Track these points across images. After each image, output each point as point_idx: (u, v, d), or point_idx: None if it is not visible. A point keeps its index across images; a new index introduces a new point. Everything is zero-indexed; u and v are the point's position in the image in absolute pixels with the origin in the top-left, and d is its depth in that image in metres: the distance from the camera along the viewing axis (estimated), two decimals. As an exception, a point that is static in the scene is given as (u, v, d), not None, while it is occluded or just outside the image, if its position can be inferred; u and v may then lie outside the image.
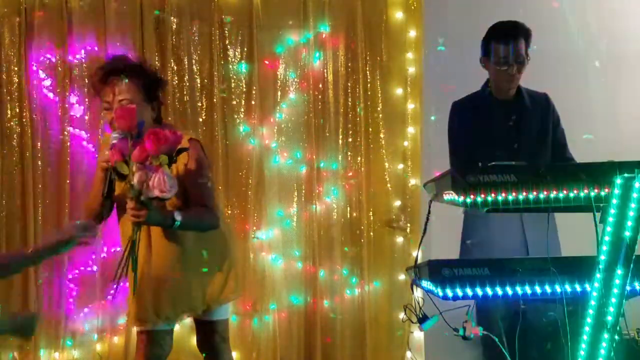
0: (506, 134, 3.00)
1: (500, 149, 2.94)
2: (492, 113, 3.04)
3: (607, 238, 1.98)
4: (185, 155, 2.45)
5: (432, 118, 4.09)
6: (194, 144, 2.53)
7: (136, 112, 2.33)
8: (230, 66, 3.94)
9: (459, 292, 2.03)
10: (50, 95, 3.78)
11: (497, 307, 2.74)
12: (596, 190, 1.99)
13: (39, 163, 3.72)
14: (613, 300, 1.96)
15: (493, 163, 2.05)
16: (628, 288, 1.99)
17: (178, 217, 2.38)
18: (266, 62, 3.99)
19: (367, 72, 4.06)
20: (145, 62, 2.62)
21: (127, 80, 2.42)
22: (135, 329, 2.65)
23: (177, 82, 3.85)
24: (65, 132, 3.75)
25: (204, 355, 2.73)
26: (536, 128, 3.04)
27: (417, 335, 3.99)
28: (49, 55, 3.76)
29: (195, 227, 2.51)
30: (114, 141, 2.32)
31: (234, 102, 3.94)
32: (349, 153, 4.05)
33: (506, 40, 2.92)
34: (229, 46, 3.94)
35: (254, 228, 3.88)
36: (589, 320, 2.00)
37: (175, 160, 2.35)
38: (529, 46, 2.98)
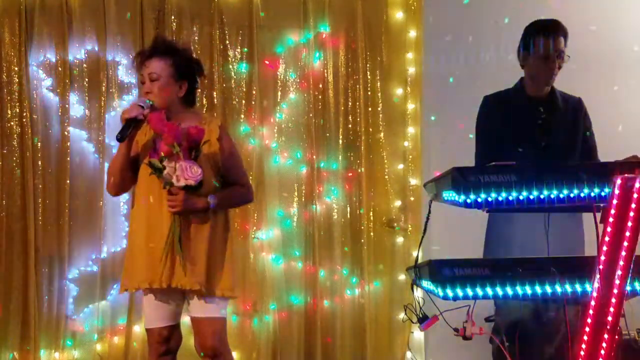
0: (535, 131, 3.00)
1: (528, 146, 2.94)
2: (522, 110, 3.03)
3: (607, 238, 1.98)
4: (216, 141, 2.67)
5: (432, 118, 4.09)
6: (224, 129, 2.79)
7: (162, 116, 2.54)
8: (230, 66, 3.94)
9: (459, 292, 2.03)
10: (50, 95, 3.78)
11: (517, 310, 2.75)
12: (596, 190, 1.99)
13: (39, 163, 3.72)
14: (613, 300, 1.96)
15: (493, 163, 2.05)
16: (628, 288, 1.99)
17: (212, 200, 2.60)
18: (266, 62, 3.99)
19: (367, 72, 4.06)
20: (184, 45, 2.89)
21: (157, 57, 2.65)
22: (143, 328, 2.70)
23: (177, 82, 3.85)
24: (65, 132, 3.75)
25: (201, 354, 2.72)
26: (566, 129, 3.02)
27: (417, 335, 3.99)
28: (49, 55, 3.77)
29: (231, 205, 2.82)
30: (140, 103, 2.59)
31: (234, 102, 3.94)
32: (349, 153, 4.05)
33: (548, 33, 2.94)
34: (229, 46, 3.94)
35: (254, 228, 3.88)
36: (589, 320, 2.00)
37: (199, 154, 2.54)
38: (566, 46, 2.99)
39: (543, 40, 2.95)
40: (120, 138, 2.55)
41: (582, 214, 2.96)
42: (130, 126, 2.55)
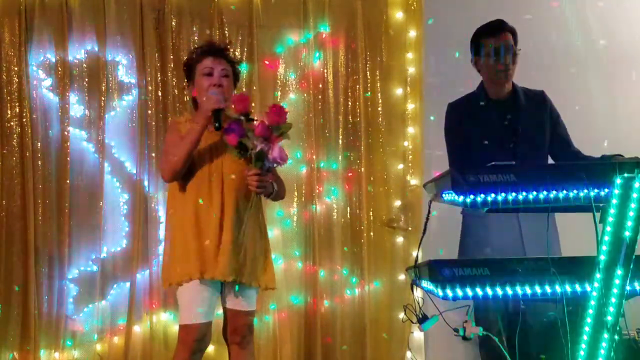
0: (501, 134, 3.00)
1: (496, 149, 2.94)
2: (487, 113, 3.04)
3: (607, 238, 1.98)
4: None
5: (432, 118, 4.09)
6: None
7: (250, 99, 2.74)
8: (230, 66, 3.94)
9: (459, 292, 2.03)
10: (50, 95, 3.78)
11: (495, 306, 2.74)
12: (596, 190, 1.99)
13: (39, 163, 3.72)
14: (613, 300, 1.96)
15: (493, 163, 2.05)
16: (628, 288, 1.99)
17: (275, 186, 2.79)
18: (266, 62, 3.99)
19: (367, 72, 4.06)
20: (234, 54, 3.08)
21: (226, 59, 2.85)
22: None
23: (176, 82, 3.86)
24: (65, 132, 3.75)
25: (230, 344, 2.82)
26: (533, 126, 3.03)
27: (417, 335, 3.99)
28: (49, 55, 3.77)
29: (279, 196, 2.93)
30: (213, 94, 2.69)
31: (234, 102, 3.94)
32: (349, 153, 4.05)
33: (494, 33, 2.98)
34: (229, 46, 3.93)
35: (254, 228, 3.88)
36: (589, 320, 2.00)
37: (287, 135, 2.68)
38: (516, 43, 3.00)
39: (489, 39, 2.98)
40: (219, 126, 2.65)
41: (555, 219, 2.97)
42: (220, 115, 2.66)
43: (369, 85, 4.06)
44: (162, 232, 3.81)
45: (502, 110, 3.03)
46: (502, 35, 2.96)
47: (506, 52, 2.95)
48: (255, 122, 2.68)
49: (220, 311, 2.85)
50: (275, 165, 2.66)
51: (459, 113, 3.10)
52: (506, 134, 3.00)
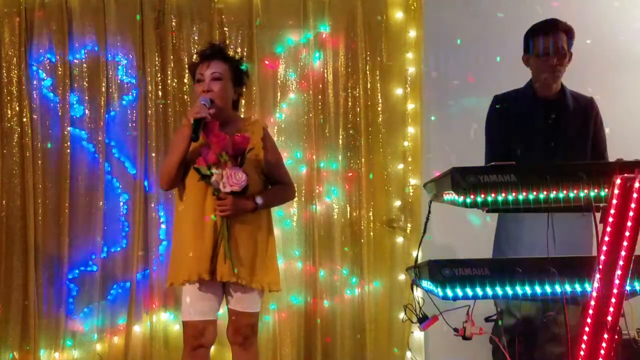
0: (544, 132, 3.00)
1: (537, 146, 2.94)
2: (532, 110, 3.03)
3: (607, 238, 1.98)
4: (260, 141, 2.81)
5: (432, 118, 4.09)
6: (266, 129, 2.91)
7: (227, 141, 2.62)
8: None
9: (459, 292, 2.03)
10: (50, 95, 3.78)
11: (520, 309, 2.75)
12: (596, 190, 1.99)
13: (39, 163, 3.72)
14: (613, 300, 1.96)
15: (493, 163, 2.05)
16: (628, 288, 1.99)
17: (259, 200, 2.72)
18: (266, 62, 3.99)
19: (367, 72, 4.06)
20: (235, 54, 3.00)
21: (220, 59, 2.79)
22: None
23: (177, 82, 3.86)
24: (65, 132, 3.75)
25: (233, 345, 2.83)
26: (576, 129, 3.02)
27: (417, 335, 3.99)
28: (49, 55, 3.77)
29: (276, 203, 2.94)
30: (203, 102, 2.67)
31: (234, 102, 3.93)
32: (349, 153, 4.05)
33: (546, 31, 2.96)
34: (228, 46, 3.94)
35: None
36: (589, 320, 2.00)
37: (244, 161, 2.65)
38: (571, 43, 3.00)
39: (540, 38, 2.96)
40: (196, 138, 2.62)
41: (591, 219, 2.95)
42: (200, 125, 2.63)
43: (369, 85, 4.06)
44: (162, 232, 3.81)
45: (548, 109, 3.03)
46: (554, 35, 2.95)
47: (555, 52, 2.95)
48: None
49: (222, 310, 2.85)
50: (230, 189, 2.59)
51: (503, 106, 3.09)
52: (548, 132, 2.99)
